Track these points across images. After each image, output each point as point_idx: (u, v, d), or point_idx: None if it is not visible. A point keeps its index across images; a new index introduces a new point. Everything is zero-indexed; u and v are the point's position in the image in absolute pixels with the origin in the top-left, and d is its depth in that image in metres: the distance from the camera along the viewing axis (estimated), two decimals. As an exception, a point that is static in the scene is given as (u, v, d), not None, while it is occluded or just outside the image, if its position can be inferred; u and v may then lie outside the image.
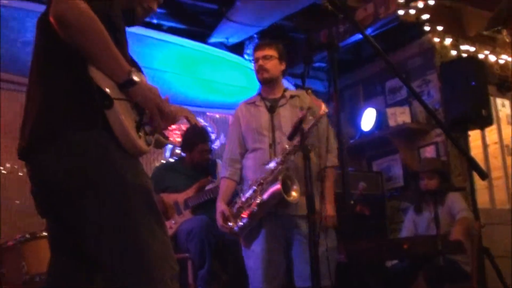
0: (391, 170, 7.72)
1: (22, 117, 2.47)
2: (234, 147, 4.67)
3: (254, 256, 4.41)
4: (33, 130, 2.33)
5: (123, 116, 2.30)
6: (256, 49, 4.71)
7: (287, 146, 4.21)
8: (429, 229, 5.68)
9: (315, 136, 4.26)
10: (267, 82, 4.61)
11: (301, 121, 3.86)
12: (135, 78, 2.36)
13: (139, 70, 2.60)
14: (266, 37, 7.12)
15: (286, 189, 4.21)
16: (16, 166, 6.77)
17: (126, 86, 2.35)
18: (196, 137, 5.72)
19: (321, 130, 4.30)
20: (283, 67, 4.64)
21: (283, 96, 4.58)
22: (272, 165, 4.27)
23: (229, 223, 4.40)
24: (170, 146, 7.60)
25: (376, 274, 5.57)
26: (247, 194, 4.36)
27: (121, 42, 2.46)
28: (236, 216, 4.39)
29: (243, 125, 4.65)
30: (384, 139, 7.53)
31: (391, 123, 7.31)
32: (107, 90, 2.28)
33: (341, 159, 3.89)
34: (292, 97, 4.56)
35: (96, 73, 2.29)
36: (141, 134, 2.43)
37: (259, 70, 4.60)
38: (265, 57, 4.57)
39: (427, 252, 4.82)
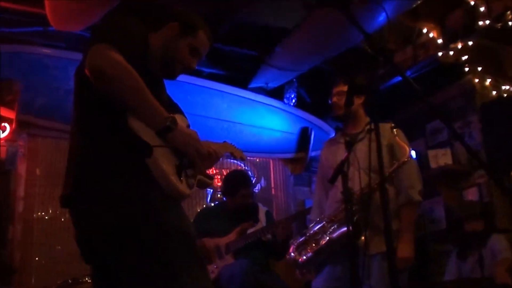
0: (433, 212, 7.62)
1: (64, 164, 2.52)
2: (319, 189, 4.66)
3: None
4: (76, 180, 2.38)
5: (163, 163, 2.35)
6: (332, 84, 4.65)
7: (363, 186, 4.11)
8: (473, 272, 5.57)
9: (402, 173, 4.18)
10: (343, 119, 4.57)
11: (343, 163, 3.81)
12: (172, 124, 2.39)
13: (179, 112, 2.64)
14: (304, 80, 7.17)
15: (357, 231, 4.02)
16: (58, 212, 6.87)
17: (163, 133, 2.38)
18: (237, 182, 5.72)
19: (406, 168, 4.23)
20: (360, 100, 4.54)
21: (363, 130, 4.36)
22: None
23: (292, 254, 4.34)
24: (210, 190, 7.64)
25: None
26: (316, 228, 4.29)
27: (157, 90, 2.50)
28: (301, 249, 4.32)
29: (324, 163, 4.63)
30: (425, 181, 7.42)
31: (433, 165, 7.25)
32: (146, 139, 2.32)
33: (383, 201, 3.83)
34: (371, 130, 4.39)
35: (135, 122, 2.34)
36: (182, 178, 2.45)
37: (333, 107, 4.57)
38: (339, 93, 4.53)
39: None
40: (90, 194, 2.34)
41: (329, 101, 4.59)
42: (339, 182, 4.29)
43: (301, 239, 4.37)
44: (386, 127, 4.24)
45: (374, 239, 4.02)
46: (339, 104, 4.51)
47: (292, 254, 4.35)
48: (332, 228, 4.19)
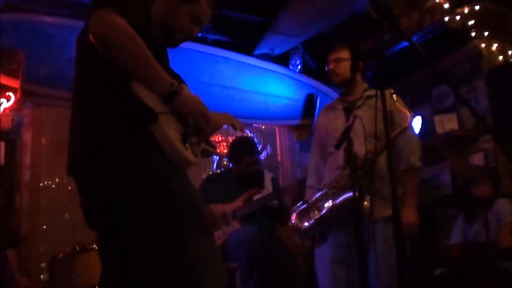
0: (439, 178, 7.62)
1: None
2: (316, 155, 4.63)
3: (321, 265, 4.37)
4: (80, 149, 2.37)
5: (168, 130, 2.33)
6: (329, 51, 4.58)
7: (365, 153, 4.01)
8: (478, 236, 5.59)
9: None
10: (340, 85, 4.54)
11: (348, 129, 3.78)
12: (178, 89, 2.38)
13: (181, 81, 2.63)
14: (310, 46, 7.14)
15: (361, 197, 4.06)
16: (64, 181, 6.89)
17: (169, 98, 2.37)
18: (242, 149, 5.71)
19: (406, 135, 4.19)
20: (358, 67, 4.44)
21: (361, 97, 4.40)
22: (346, 169, 4.10)
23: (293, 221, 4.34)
24: (216, 157, 7.65)
25: (425, 282, 5.49)
26: (317, 195, 4.26)
27: (161, 56, 2.49)
28: (303, 216, 4.30)
29: (321, 130, 4.60)
30: (431, 146, 7.44)
31: (439, 130, 7.23)
32: (151, 104, 2.31)
33: (390, 168, 3.81)
34: (369, 97, 4.36)
35: (139, 88, 2.32)
36: (187, 145, 2.44)
37: (330, 74, 4.51)
38: (335, 60, 4.46)
39: (478, 259, 4.73)
40: (95, 162, 2.33)
41: (326, 68, 4.55)
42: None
43: (303, 206, 4.35)
44: (385, 94, 4.21)
45: (377, 204, 3.99)
46: (336, 71, 4.45)
47: (294, 221, 4.33)
48: (334, 194, 4.16)
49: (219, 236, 5.34)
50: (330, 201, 4.14)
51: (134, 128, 2.33)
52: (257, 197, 5.53)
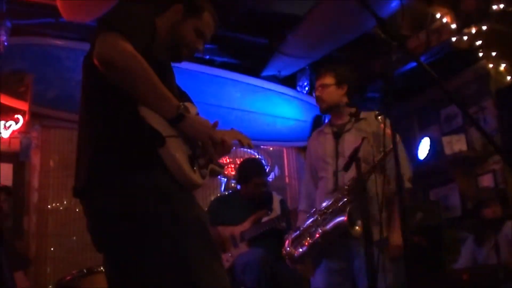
0: (448, 200, 7.59)
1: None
2: (308, 179, 4.65)
3: None
4: (88, 171, 2.36)
5: (176, 153, 2.32)
6: (315, 77, 4.63)
7: (353, 176, 4.02)
8: (488, 258, 5.54)
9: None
10: (327, 111, 4.56)
11: (356, 151, 3.78)
12: (184, 113, 2.38)
13: (189, 101, 2.62)
14: (317, 68, 7.15)
15: (351, 221, 4.03)
16: (72, 202, 6.90)
17: (176, 121, 2.37)
18: (250, 171, 5.70)
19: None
20: (342, 91, 4.47)
21: (350, 120, 4.43)
22: (336, 194, 4.14)
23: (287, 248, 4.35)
24: (224, 179, 7.64)
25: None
26: (308, 222, 4.26)
27: (166, 77, 2.48)
28: (297, 243, 4.30)
29: (312, 154, 4.61)
30: (440, 167, 7.43)
31: (447, 151, 7.21)
32: (159, 128, 2.30)
33: (400, 190, 3.79)
34: (357, 120, 4.40)
35: (147, 112, 2.31)
36: (195, 168, 2.44)
37: (317, 101, 4.54)
38: (321, 86, 4.48)
39: (488, 283, 4.68)
40: (101, 185, 2.32)
41: (313, 94, 4.59)
42: (328, 173, 4.32)
43: (296, 233, 4.36)
44: (371, 116, 4.27)
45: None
46: (321, 97, 4.47)
47: (288, 248, 4.34)
48: (325, 220, 4.16)
49: (227, 258, 5.31)
50: (321, 227, 4.15)
51: (142, 152, 2.32)
52: (265, 219, 5.51)
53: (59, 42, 6.87)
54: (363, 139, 3.94)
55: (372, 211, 4.04)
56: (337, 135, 4.41)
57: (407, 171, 4.31)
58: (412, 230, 5.79)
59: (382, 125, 3.95)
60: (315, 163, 4.56)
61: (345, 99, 4.50)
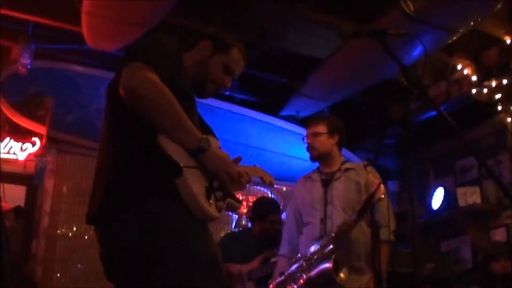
0: (459, 252, 7.53)
1: (91, 181, 2.50)
2: (291, 224, 4.63)
3: None
4: (103, 198, 2.35)
5: (192, 184, 2.31)
6: (306, 126, 4.67)
7: (340, 223, 4.05)
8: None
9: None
10: (318, 159, 4.57)
11: (371, 196, 3.79)
12: (205, 146, 2.38)
13: (212, 135, 2.62)
14: (336, 111, 7.17)
15: (336, 269, 3.97)
16: (82, 229, 6.89)
17: (196, 154, 2.37)
18: (268, 207, 5.69)
19: (380, 205, 4.18)
20: (334, 140, 4.48)
21: (339, 169, 4.45)
22: (322, 241, 4.10)
23: None
24: (235, 216, 7.62)
25: None
26: (293, 268, 4.21)
27: (190, 109, 2.48)
28: None
29: (298, 200, 4.60)
30: (453, 219, 7.37)
31: (461, 203, 7.17)
32: (177, 158, 2.30)
33: (413, 238, 3.77)
34: (347, 170, 4.43)
35: (166, 142, 2.31)
36: (211, 200, 2.42)
37: (308, 149, 4.56)
38: (312, 134, 4.50)
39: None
40: (117, 213, 2.31)
41: (303, 141, 4.62)
42: (316, 220, 4.31)
43: (280, 279, 4.33)
44: (360, 166, 4.26)
45: (349, 277, 3.99)
46: (313, 145, 4.49)
47: None
48: (310, 266, 4.13)
49: (233, 297, 5.27)
50: (306, 273, 4.12)
51: (158, 181, 2.31)
52: (274, 259, 5.48)
53: (81, 69, 6.95)
54: (378, 184, 3.94)
55: (354, 261, 4.08)
56: (326, 183, 4.40)
57: (392, 223, 4.30)
58: (422, 280, 5.71)
59: (370, 175, 3.98)
60: (300, 208, 4.54)
61: (335, 148, 4.53)
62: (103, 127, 2.54)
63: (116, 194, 2.33)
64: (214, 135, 2.65)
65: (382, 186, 3.94)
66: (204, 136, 2.42)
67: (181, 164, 2.30)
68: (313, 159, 4.58)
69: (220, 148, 2.63)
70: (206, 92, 2.76)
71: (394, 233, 4.29)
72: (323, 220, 4.26)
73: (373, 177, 4.02)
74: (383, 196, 3.92)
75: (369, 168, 4.03)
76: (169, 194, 2.30)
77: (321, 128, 4.49)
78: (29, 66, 6.33)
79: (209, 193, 2.42)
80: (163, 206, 2.30)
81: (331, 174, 4.46)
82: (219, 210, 2.48)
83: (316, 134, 4.48)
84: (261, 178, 3.02)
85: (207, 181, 2.43)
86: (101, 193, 2.37)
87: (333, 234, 4.06)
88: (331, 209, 4.25)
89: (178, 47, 2.59)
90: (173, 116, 2.32)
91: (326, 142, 4.47)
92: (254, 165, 3.03)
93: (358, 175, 4.36)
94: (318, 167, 4.63)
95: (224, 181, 2.47)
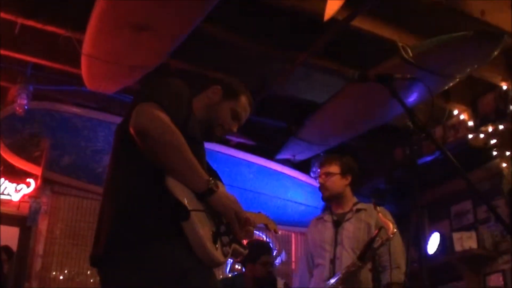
0: (455, 297, 7.49)
1: (85, 224, 2.47)
2: (303, 268, 4.63)
3: None
4: (108, 239, 2.33)
5: (199, 227, 2.29)
6: (319, 165, 4.70)
7: (349, 264, 4.06)
8: None
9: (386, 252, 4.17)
10: (329, 200, 4.57)
11: (372, 240, 3.79)
12: (214, 187, 2.37)
13: (218, 178, 2.61)
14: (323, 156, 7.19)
15: None
16: (73, 273, 6.82)
17: (205, 195, 2.36)
18: (259, 249, 5.66)
19: (392, 246, 4.18)
20: (347, 181, 4.51)
21: (350, 210, 4.46)
22: (332, 282, 4.09)
23: None
24: (230, 260, 7.56)
25: None
26: None
27: (199, 153, 2.48)
28: None
29: (310, 242, 4.60)
30: (449, 264, 7.34)
31: (457, 248, 7.15)
32: (185, 201, 2.29)
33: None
34: (358, 210, 4.44)
35: (174, 183, 2.30)
36: (217, 245, 2.40)
37: (320, 188, 4.57)
38: (325, 174, 4.52)
39: None
40: (121, 255, 2.28)
41: (316, 181, 4.63)
42: (325, 261, 4.31)
43: None
44: (371, 207, 4.27)
45: None
46: (325, 185, 4.51)
47: None
48: None
49: None
50: None
51: (165, 224, 2.29)
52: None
53: (78, 110, 6.96)
54: (379, 229, 3.94)
55: None
56: (337, 224, 4.43)
57: (403, 264, 4.29)
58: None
59: (380, 215, 3.99)
60: (312, 250, 4.55)
61: (348, 189, 4.54)
62: (109, 168, 2.54)
63: (120, 235, 2.30)
64: (220, 180, 2.64)
65: (391, 226, 3.94)
66: (212, 178, 2.41)
67: (189, 208, 2.29)
68: (324, 199, 4.59)
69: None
70: (214, 136, 2.79)
71: (406, 274, 4.27)
72: (333, 261, 4.26)
73: (383, 216, 4.03)
74: (391, 236, 3.92)
75: (379, 208, 4.06)
76: (175, 237, 2.28)
77: (334, 168, 4.51)
78: (26, 107, 6.33)
79: (215, 237, 2.40)
80: (169, 249, 2.28)
81: (342, 215, 4.47)
82: (225, 255, 2.45)
83: (329, 174, 4.50)
84: (266, 225, 3.02)
85: (214, 226, 2.41)
86: (105, 234, 2.35)
87: (341, 275, 4.04)
88: (340, 249, 4.26)
89: (189, 91, 2.61)
90: (182, 157, 2.32)
91: (338, 182, 4.49)
92: (259, 212, 3.02)
93: (369, 216, 4.37)
94: (330, 208, 4.62)
95: (232, 222, 2.46)
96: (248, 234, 2.65)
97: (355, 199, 4.58)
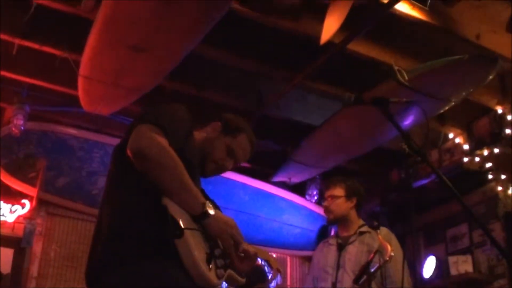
0: (451, 322, 7.43)
1: (79, 245, 2.47)
2: None
3: None
4: (102, 255, 2.33)
5: (193, 247, 2.28)
6: (325, 187, 4.70)
7: (351, 286, 4.05)
8: None
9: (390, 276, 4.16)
10: (334, 223, 4.57)
11: (368, 264, 3.78)
12: (210, 210, 2.37)
13: (215, 206, 2.60)
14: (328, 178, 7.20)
15: None
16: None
17: (200, 218, 2.35)
18: (254, 277, 5.62)
19: (393, 270, 4.16)
20: (351, 204, 4.50)
21: (355, 233, 4.45)
22: None
23: None
24: (225, 284, 7.52)
25: None
26: None
27: (195, 176, 2.49)
28: None
29: (315, 266, 4.61)
30: (445, 288, 7.32)
31: (453, 271, 7.12)
32: (180, 220, 2.28)
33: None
34: (362, 233, 4.43)
35: (170, 203, 2.30)
36: (211, 266, 2.38)
37: (325, 211, 4.58)
38: (330, 197, 4.52)
39: None
40: (116, 273, 2.28)
41: (321, 205, 4.64)
42: (328, 284, 4.32)
43: None
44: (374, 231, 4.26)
45: None
46: (330, 208, 4.51)
47: None
48: None
49: None
50: None
51: (158, 241, 2.29)
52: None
53: (74, 131, 6.96)
54: (375, 252, 3.93)
55: None
56: (341, 247, 4.42)
57: (406, 286, 4.27)
58: None
59: (379, 237, 3.98)
60: (316, 274, 4.55)
61: (353, 212, 4.54)
62: (105, 188, 2.55)
63: (116, 252, 2.30)
64: (218, 208, 2.63)
65: (389, 248, 3.92)
66: (207, 201, 2.41)
67: (183, 226, 2.28)
68: (329, 222, 4.60)
69: None
70: (207, 172, 2.76)
71: None
72: (334, 284, 4.25)
73: (383, 239, 4.01)
74: (387, 259, 3.89)
75: (380, 230, 4.05)
76: (168, 256, 2.27)
77: (339, 191, 4.52)
78: (22, 127, 6.33)
79: (209, 258, 2.39)
80: (161, 266, 2.27)
81: (347, 238, 4.47)
82: (219, 277, 2.43)
83: (334, 197, 4.50)
84: (268, 261, 3.00)
85: (209, 248, 2.41)
86: (100, 251, 2.34)
87: None
88: (342, 273, 4.25)
89: (191, 118, 2.61)
90: (178, 179, 2.33)
91: (343, 205, 4.49)
92: (265, 250, 3.00)
93: (372, 239, 4.33)
94: (336, 231, 4.61)
95: (228, 246, 2.45)
96: (251, 262, 2.63)
97: (360, 222, 4.57)
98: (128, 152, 2.32)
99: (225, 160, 2.76)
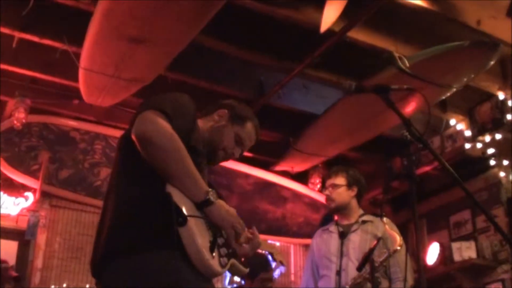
0: (455, 308, 7.45)
1: (83, 237, 2.47)
2: (308, 276, 4.64)
3: None
4: (106, 245, 2.33)
5: (196, 235, 2.28)
6: (326, 176, 4.72)
7: (355, 276, 4.07)
8: None
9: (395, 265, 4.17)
10: (335, 211, 4.59)
11: (371, 252, 3.78)
12: (213, 198, 2.37)
13: (217, 193, 2.60)
14: (331, 166, 7.20)
15: None
16: (72, 286, 6.80)
17: (203, 205, 2.36)
18: (258, 266, 5.64)
19: (399, 260, 4.19)
20: (352, 193, 4.55)
21: (356, 221, 4.50)
22: None
23: None
24: (229, 274, 7.54)
25: None
26: None
27: (199, 164, 2.48)
28: None
29: (315, 252, 4.62)
30: (448, 274, 7.32)
31: (456, 257, 7.13)
32: (183, 207, 2.29)
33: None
34: (364, 222, 4.48)
35: (174, 191, 2.30)
36: (214, 254, 2.38)
37: (326, 200, 4.61)
38: (331, 186, 4.55)
39: None
40: (119, 260, 2.29)
41: (323, 193, 4.66)
42: (331, 272, 4.33)
43: None
44: (378, 221, 4.32)
45: None
46: (331, 197, 4.55)
47: None
48: None
49: None
50: None
51: (161, 229, 2.29)
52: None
53: (76, 124, 6.96)
54: (378, 240, 3.94)
55: None
56: (343, 235, 4.45)
57: (410, 277, 4.31)
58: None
59: (386, 227, 4.00)
60: (317, 261, 4.57)
61: (354, 201, 4.58)
62: (111, 177, 2.56)
63: (120, 241, 2.30)
64: (221, 197, 2.63)
65: (398, 238, 3.95)
66: (211, 189, 2.41)
67: (186, 213, 2.28)
68: (330, 210, 4.62)
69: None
70: (216, 159, 2.78)
71: (412, 286, 4.29)
72: (339, 273, 4.27)
73: (390, 228, 4.04)
74: (398, 248, 3.92)
75: (385, 220, 4.06)
76: (171, 244, 2.27)
77: (340, 180, 4.56)
78: (24, 120, 6.33)
79: (212, 247, 2.38)
80: (165, 255, 2.27)
81: (348, 226, 4.50)
82: (222, 266, 2.43)
83: (335, 186, 4.54)
84: (272, 254, 3.00)
85: (212, 236, 2.40)
86: (105, 240, 2.35)
87: (348, 287, 4.08)
88: (346, 261, 4.28)
89: (195, 108, 2.61)
90: (182, 165, 2.33)
91: (344, 194, 4.53)
92: (271, 242, 3.00)
93: (376, 228, 4.39)
94: (336, 219, 4.63)
95: (230, 235, 2.46)
96: (253, 247, 2.64)
97: (361, 211, 4.62)
98: (133, 136, 2.33)
99: (234, 148, 2.78)
